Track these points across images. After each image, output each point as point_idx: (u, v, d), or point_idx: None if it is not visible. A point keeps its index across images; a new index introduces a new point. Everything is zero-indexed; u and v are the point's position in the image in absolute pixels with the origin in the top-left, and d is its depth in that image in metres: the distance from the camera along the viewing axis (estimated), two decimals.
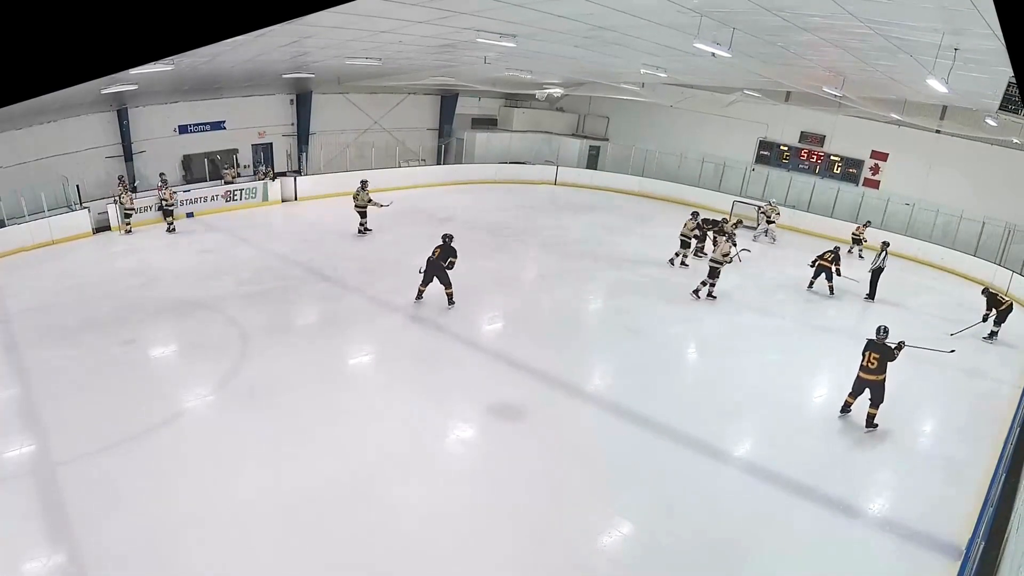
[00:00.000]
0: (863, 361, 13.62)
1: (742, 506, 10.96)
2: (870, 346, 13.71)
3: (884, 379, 13.38)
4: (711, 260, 20.82)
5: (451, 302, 18.16)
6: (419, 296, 18.25)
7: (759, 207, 30.17)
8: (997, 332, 19.47)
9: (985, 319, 19.49)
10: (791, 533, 10.45)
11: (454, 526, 9.92)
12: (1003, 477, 10.94)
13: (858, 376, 13.71)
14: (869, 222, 28.30)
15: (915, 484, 12.02)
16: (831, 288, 22.24)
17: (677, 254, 24.14)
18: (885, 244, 22.60)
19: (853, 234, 28.05)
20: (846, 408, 14.00)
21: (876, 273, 22.12)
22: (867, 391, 13.56)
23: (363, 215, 24.39)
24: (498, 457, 11.88)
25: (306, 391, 13.35)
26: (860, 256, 27.11)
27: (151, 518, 9.41)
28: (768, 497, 11.23)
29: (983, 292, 19.98)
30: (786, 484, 11.51)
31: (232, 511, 9.76)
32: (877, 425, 13.50)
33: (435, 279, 17.94)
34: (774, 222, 29.12)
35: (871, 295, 22.07)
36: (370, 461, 11.31)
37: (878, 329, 13.79)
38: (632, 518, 10.44)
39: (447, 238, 18.20)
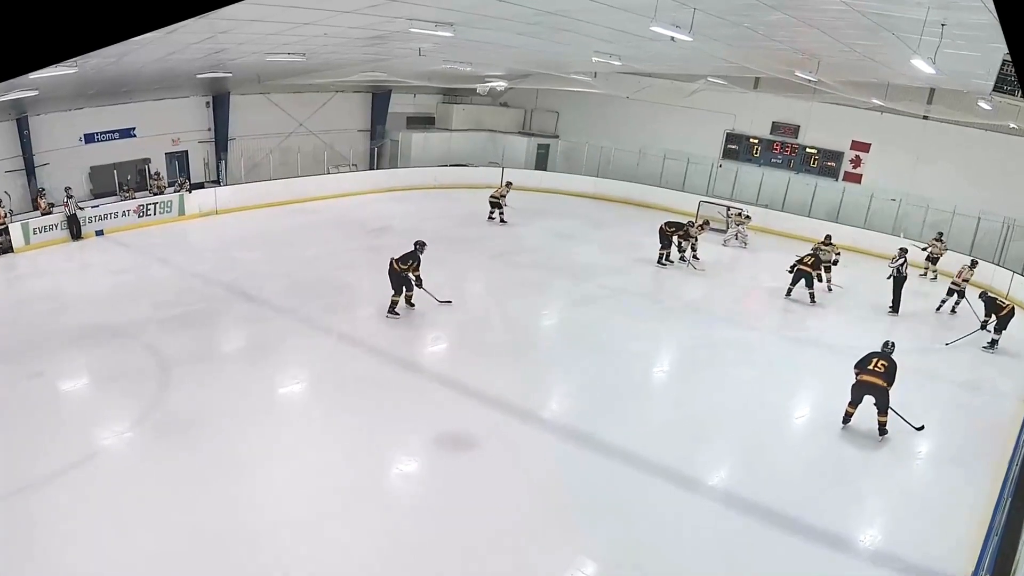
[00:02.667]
0: (868, 365, 13.93)
1: (718, 541, 10.97)
2: (878, 354, 14.19)
3: (887, 386, 13.70)
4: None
5: (409, 304, 18.70)
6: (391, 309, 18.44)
7: (728, 210, 30.11)
8: (998, 340, 19.41)
9: (984, 326, 19.49)
10: (773, 570, 10.43)
11: (400, 569, 9.85)
12: (1008, 503, 10.56)
13: (859, 381, 13.94)
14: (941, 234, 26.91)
15: (910, 512, 12.07)
16: (811, 296, 22.08)
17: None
18: (903, 250, 22.20)
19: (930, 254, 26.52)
20: (847, 419, 14.21)
21: (899, 282, 21.92)
22: (868, 398, 13.84)
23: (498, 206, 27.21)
24: (447, 492, 11.77)
25: (235, 424, 13.17)
26: (934, 278, 26.07)
27: (65, 569, 9.27)
28: (746, 530, 11.19)
29: (981, 296, 20.02)
30: (766, 515, 11.47)
31: (156, 558, 9.58)
32: (887, 432, 13.93)
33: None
34: (743, 225, 29.25)
35: (895, 308, 21.95)
36: (307, 499, 11.20)
37: (884, 344, 14.48)
38: (596, 557, 10.44)
39: (417, 245, 18.65)
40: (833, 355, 17.40)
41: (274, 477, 11.72)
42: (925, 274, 26.39)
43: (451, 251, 24.54)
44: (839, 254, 24.40)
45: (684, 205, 31.73)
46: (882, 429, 13.87)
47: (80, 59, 16.75)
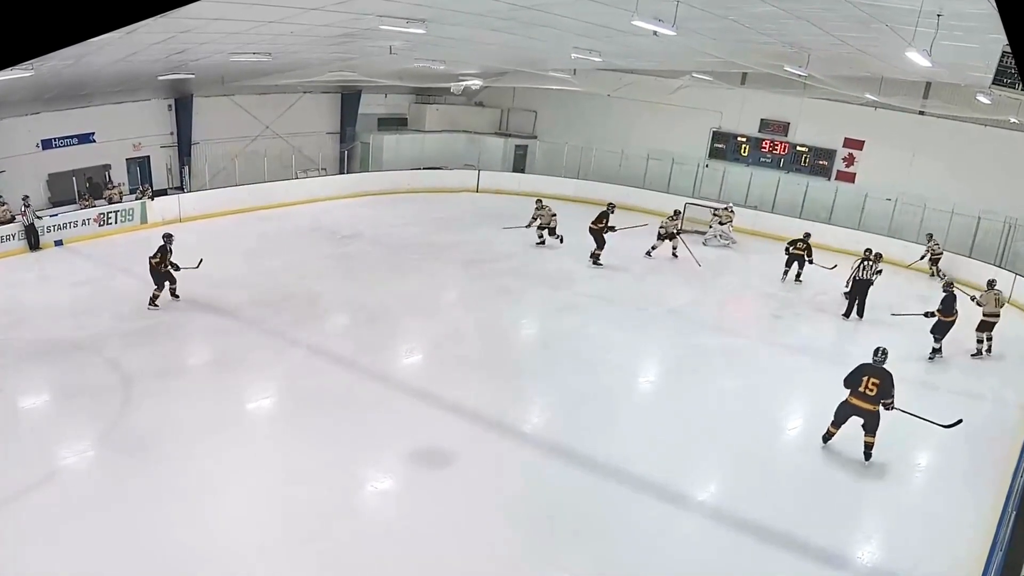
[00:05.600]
0: (859, 386, 13.21)
1: (706, 558, 10.95)
2: (868, 370, 13.32)
3: (879, 410, 13.15)
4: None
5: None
6: None
7: (713, 210, 30.20)
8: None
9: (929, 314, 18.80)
10: None
11: None
12: (1013, 516, 10.50)
13: (847, 402, 13.40)
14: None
15: (909, 526, 12.04)
16: (799, 276, 24.97)
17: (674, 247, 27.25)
18: (871, 253, 22.01)
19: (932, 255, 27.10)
20: (828, 437, 13.86)
21: (864, 286, 21.49)
22: (855, 419, 13.37)
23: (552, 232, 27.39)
24: (422, 510, 11.68)
25: (199, 441, 13.05)
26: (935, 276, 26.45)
27: None
28: (737, 547, 11.15)
29: (945, 288, 19.29)
30: (756, 531, 11.43)
31: (127, 572, 9.62)
32: (872, 456, 13.39)
33: None
34: (725, 223, 29.46)
35: (850, 312, 21.77)
36: (277, 519, 11.20)
37: (876, 351, 13.49)
38: (581, 574, 10.44)
39: (165, 238, 19.34)
40: (825, 362, 17.47)
41: (241, 496, 11.66)
42: (933, 275, 26.56)
43: (425, 258, 24.64)
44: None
45: (669, 207, 30.73)
46: (868, 452, 13.37)
47: (36, 61, 16.70)
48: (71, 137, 27.83)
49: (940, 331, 18.65)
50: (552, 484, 12.57)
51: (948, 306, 18.48)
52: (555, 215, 27.24)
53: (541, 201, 27.87)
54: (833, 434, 13.74)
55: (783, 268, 25.30)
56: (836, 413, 13.63)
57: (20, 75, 17.97)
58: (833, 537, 11.49)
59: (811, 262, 24.61)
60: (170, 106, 31.27)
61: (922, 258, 26.72)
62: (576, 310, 21.07)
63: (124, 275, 21.47)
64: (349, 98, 37.48)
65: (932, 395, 16.79)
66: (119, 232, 26.40)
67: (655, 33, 15.10)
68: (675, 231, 27.20)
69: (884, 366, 13.29)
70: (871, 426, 13.27)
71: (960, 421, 13.79)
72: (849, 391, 13.39)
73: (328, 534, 10.87)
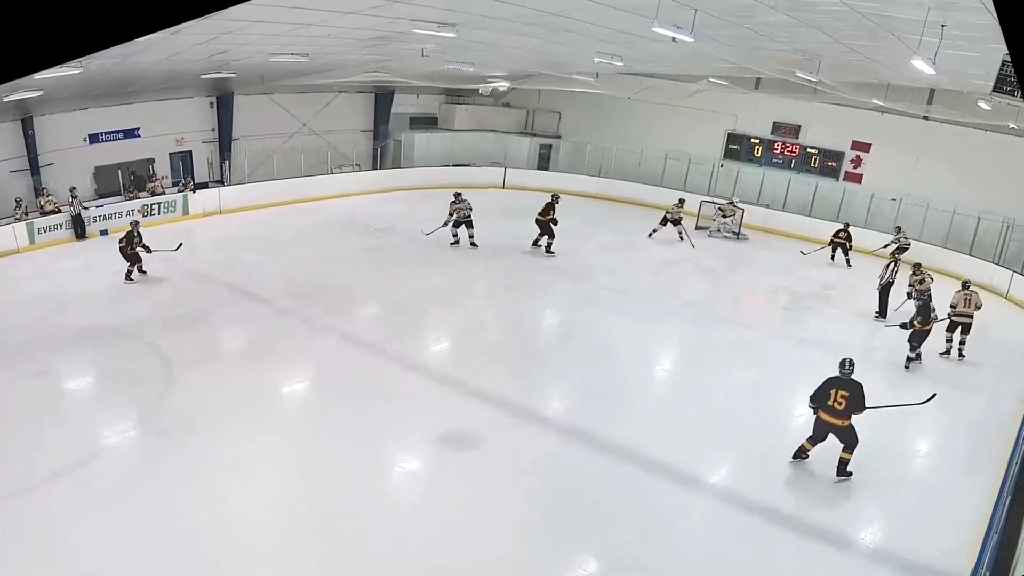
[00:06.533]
0: (827, 400, 12.21)
1: (718, 539, 10.93)
2: (836, 383, 12.31)
3: (852, 424, 12.21)
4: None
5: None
6: None
7: (718, 205, 30.33)
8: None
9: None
10: (773, 568, 10.39)
11: (400, 567, 9.81)
12: (1008, 501, 10.59)
13: (819, 419, 12.40)
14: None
15: (909, 510, 11.96)
16: (848, 261, 26.88)
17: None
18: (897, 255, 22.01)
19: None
20: (801, 453, 12.78)
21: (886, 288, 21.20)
22: (832, 436, 12.39)
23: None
24: (448, 491, 11.74)
25: (239, 423, 13.13)
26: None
27: (67, 569, 9.30)
28: (746, 528, 11.17)
29: (918, 296, 18.65)
30: (765, 512, 11.42)
31: (161, 552, 9.58)
32: (851, 473, 12.40)
33: None
34: (729, 216, 29.63)
35: (882, 313, 21.18)
36: (311, 497, 11.18)
37: (843, 363, 12.45)
38: (597, 554, 10.41)
39: (132, 224, 20.48)
40: (834, 355, 17.37)
41: (279, 474, 11.74)
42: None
43: (452, 251, 24.61)
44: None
45: (686, 205, 30.67)
46: (842, 468, 12.35)
47: (85, 60, 16.74)
48: (117, 132, 28.03)
49: (918, 340, 17.69)
50: (570, 467, 12.57)
51: (926, 316, 17.49)
52: (471, 209, 25.78)
53: (460, 194, 25.95)
54: (807, 451, 12.67)
55: (829, 253, 27.24)
56: (814, 428, 12.56)
57: (70, 72, 18.01)
58: (838, 520, 11.49)
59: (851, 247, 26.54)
60: (212, 103, 31.44)
61: (885, 246, 26.66)
62: (595, 302, 20.93)
63: (165, 264, 21.50)
64: (382, 98, 37.56)
65: (935, 387, 16.65)
66: (161, 223, 26.44)
67: (674, 39, 15.05)
68: (679, 217, 28.04)
69: (853, 377, 12.31)
70: (847, 441, 12.32)
71: (934, 395, 13.42)
72: (816, 407, 12.42)
73: (357, 511, 10.92)
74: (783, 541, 10.91)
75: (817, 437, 12.47)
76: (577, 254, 25.74)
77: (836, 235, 27.22)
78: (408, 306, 19.55)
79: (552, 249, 25.10)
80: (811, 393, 12.50)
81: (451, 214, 25.14)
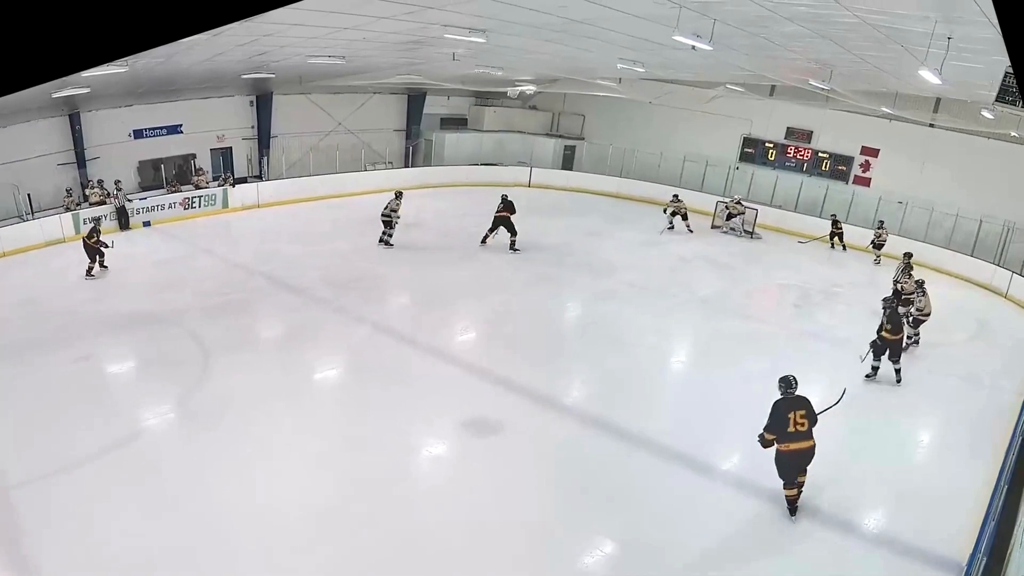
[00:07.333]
0: (787, 427, 10.63)
1: (730, 524, 10.95)
2: (790, 404, 10.77)
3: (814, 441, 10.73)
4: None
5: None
6: None
7: (725, 205, 30.55)
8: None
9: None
10: (783, 552, 10.43)
11: (425, 545, 9.88)
12: (1005, 489, 10.67)
13: (784, 454, 10.80)
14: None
15: (911, 497, 11.95)
16: (843, 246, 28.70)
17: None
18: (908, 255, 21.42)
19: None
20: (790, 505, 11.08)
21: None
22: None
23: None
24: (474, 474, 11.83)
25: (273, 408, 13.25)
26: (878, 262, 27.22)
27: (103, 547, 9.38)
28: (756, 513, 11.20)
29: (887, 304, 16.71)
30: (774, 499, 11.34)
31: (205, 531, 9.68)
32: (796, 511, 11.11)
33: None
34: (735, 215, 29.82)
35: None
36: (340, 479, 11.27)
37: (787, 381, 10.97)
38: (615, 537, 10.45)
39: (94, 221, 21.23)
40: (841, 348, 17.33)
41: (311, 458, 11.82)
42: (878, 261, 27.27)
43: (478, 246, 24.65)
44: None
45: (702, 204, 31.61)
46: (800, 493, 11.07)
47: (130, 59, 16.83)
48: (160, 128, 28.14)
49: (884, 350, 16.14)
50: (588, 453, 12.65)
51: (896, 323, 16.16)
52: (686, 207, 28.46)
53: (402, 194, 25.25)
54: (795, 497, 11.07)
55: (828, 244, 28.86)
56: (783, 472, 10.95)
57: (116, 71, 18.10)
58: (843, 506, 11.48)
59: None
60: (252, 102, 31.55)
61: (871, 243, 27.38)
62: (615, 296, 20.97)
63: (206, 255, 21.66)
64: (415, 99, 37.59)
65: (937, 380, 16.76)
66: (202, 215, 26.77)
67: (693, 48, 15.05)
68: (684, 210, 29.28)
69: (799, 393, 10.87)
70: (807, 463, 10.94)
71: (845, 391, 12.28)
72: (776, 439, 10.72)
73: (384, 493, 10.98)
74: (790, 525, 10.92)
75: (792, 476, 10.91)
76: (599, 250, 25.80)
77: (834, 226, 28.68)
78: (438, 296, 19.68)
79: (517, 247, 24.78)
80: (764, 426, 10.80)
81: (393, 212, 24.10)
